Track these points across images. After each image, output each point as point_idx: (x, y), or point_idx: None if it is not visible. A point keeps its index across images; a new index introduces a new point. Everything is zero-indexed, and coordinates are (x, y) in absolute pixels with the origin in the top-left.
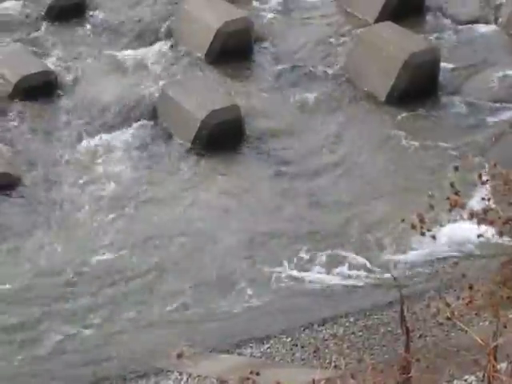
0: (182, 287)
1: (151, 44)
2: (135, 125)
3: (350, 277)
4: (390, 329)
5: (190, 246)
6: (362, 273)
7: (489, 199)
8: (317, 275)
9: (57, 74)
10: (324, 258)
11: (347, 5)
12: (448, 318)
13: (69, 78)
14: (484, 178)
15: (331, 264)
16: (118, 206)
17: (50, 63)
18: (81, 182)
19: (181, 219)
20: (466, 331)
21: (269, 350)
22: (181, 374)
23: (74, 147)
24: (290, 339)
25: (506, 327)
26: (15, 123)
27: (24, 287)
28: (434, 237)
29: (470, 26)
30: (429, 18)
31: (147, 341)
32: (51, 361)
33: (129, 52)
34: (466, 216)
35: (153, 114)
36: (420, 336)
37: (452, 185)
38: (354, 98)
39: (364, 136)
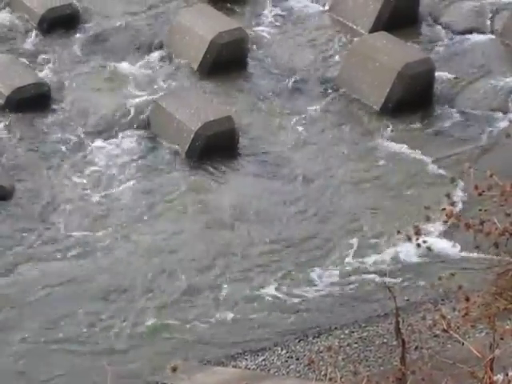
0: (175, 299)
1: (144, 55)
2: (128, 136)
3: (344, 288)
4: (385, 341)
5: (183, 256)
6: (357, 284)
7: (485, 210)
8: (311, 287)
9: (49, 86)
10: (318, 270)
11: (341, 15)
12: (444, 330)
13: (61, 89)
14: (480, 189)
15: (326, 275)
16: (110, 218)
17: (43, 75)
18: (74, 193)
19: (174, 231)
20: (463, 343)
21: (264, 362)
22: None
23: (67, 159)
24: (284, 351)
25: (502, 339)
26: (8, 135)
27: (14, 298)
28: (429, 248)
29: (464, 35)
30: (423, 27)
31: (141, 354)
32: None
33: (122, 63)
34: (462, 227)
35: (146, 126)
36: (416, 348)
37: (448, 196)
38: (348, 108)
39: (358, 146)
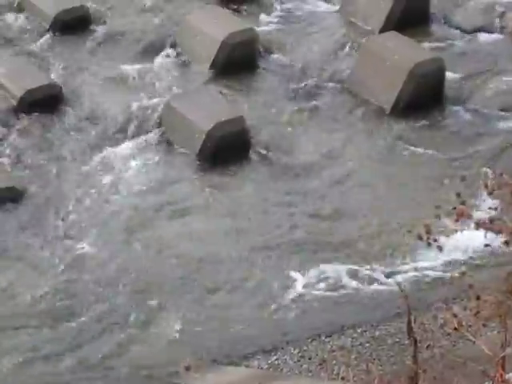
0: (187, 300)
1: (156, 56)
2: (140, 138)
3: (356, 288)
4: (397, 340)
5: (194, 258)
6: (369, 284)
7: (495, 209)
8: (323, 287)
9: (61, 87)
10: (330, 270)
11: (351, 15)
12: (455, 329)
13: (74, 91)
14: (490, 188)
15: (337, 275)
16: (122, 220)
17: (55, 76)
18: (85, 195)
19: (187, 232)
20: (474, 342)
21: (276, 361)
22: None
23: (79, 161)
24: (297, 351)
25: None
26: (19, 137)
27: (23, 302)
28: (440, 247)
29: (475, 34)
30: (434, 27)
31: (153, 354)
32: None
33: (134, 64)
34: (472, 226)
35: (158, 127)
36: (427, 347)
37: (458, 195)
38: (359, 108)
39: (369, 147)
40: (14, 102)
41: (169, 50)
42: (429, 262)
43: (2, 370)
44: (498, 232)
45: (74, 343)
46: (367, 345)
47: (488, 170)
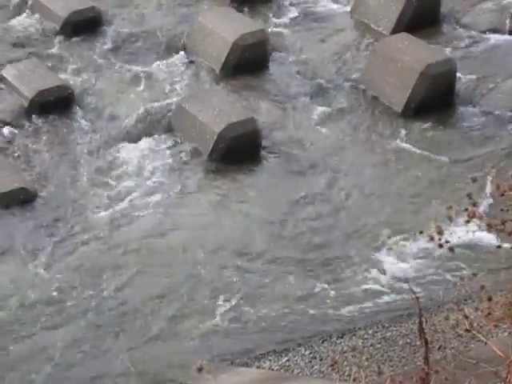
0: (199, 299)
1: (167, 57)
2: (151, 139)
3: (367, 289)
4: (408, 341)
5: (207, 258)
6: (380, 285)
7: (507, 210)
8: (333, 287)
9: (73, 89)
10: (340, 270)
11: (363, 17)
12: (467, 330)
13: (85, 92)
14: (502, 189)
15: (348, 276)
16: (134, 221)
17: (66, 78)
18: (97, 196)
19: (199, 234)
20: (486, 343)
21: (287, 362)
22: None
23: (90, 162)
24: (308, 352)
25: None
26: (32, 138)
27: (33, 303)
28: (451, 249)
29: (486, 35)
30: (445, 28)
31: (165, 354)
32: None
33: (144, 66)
34: (484, 227)
35: (169, 128)
36: (439, 348)
37: (470, 196)
38: (370, 109)
39: (381, 148)
40: (26, 104)
41: (180, 51)
42: (440, 263)
43: None
44: (510, 233)
45: (86, 340)
46: (378, 346)
47: (499, 171)
